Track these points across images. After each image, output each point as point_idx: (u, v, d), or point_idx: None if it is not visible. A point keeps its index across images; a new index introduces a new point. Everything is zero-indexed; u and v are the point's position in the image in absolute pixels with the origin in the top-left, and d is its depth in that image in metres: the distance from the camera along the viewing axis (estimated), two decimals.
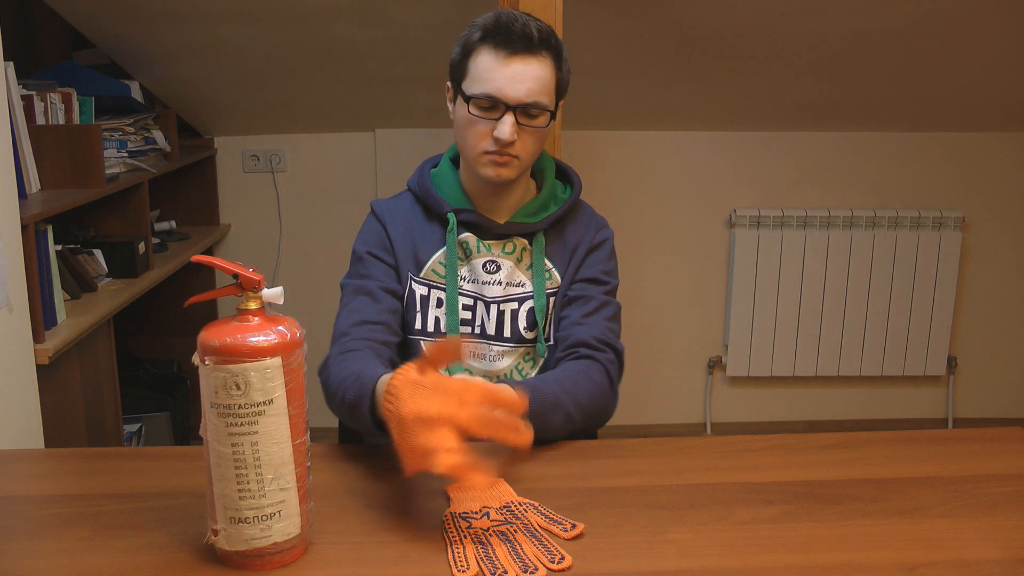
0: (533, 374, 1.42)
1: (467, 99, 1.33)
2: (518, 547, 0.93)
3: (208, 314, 3.01)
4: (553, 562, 0.91)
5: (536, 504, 1.03)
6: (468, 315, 1.41)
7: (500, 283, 1.41)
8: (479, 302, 1.41)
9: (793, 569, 0.91)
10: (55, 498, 1.07)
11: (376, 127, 3.09)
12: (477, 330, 1.41)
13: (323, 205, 3.17)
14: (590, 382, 1.30)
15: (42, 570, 0.91)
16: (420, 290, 1.41)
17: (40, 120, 2.19)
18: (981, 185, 3.20)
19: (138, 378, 2.94)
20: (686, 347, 3.30)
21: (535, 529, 0.97)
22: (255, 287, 0.90)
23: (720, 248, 3.21)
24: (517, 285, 1.41)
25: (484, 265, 1.41)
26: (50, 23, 2.77)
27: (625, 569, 0.91)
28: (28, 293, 1.76)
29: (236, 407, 0.86)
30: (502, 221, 1.42)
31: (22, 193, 2.03)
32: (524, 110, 1.31)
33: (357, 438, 1.45)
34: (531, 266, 1.42)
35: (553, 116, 1.35)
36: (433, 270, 1.41)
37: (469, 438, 0.93)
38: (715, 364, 3.31)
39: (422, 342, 1.40)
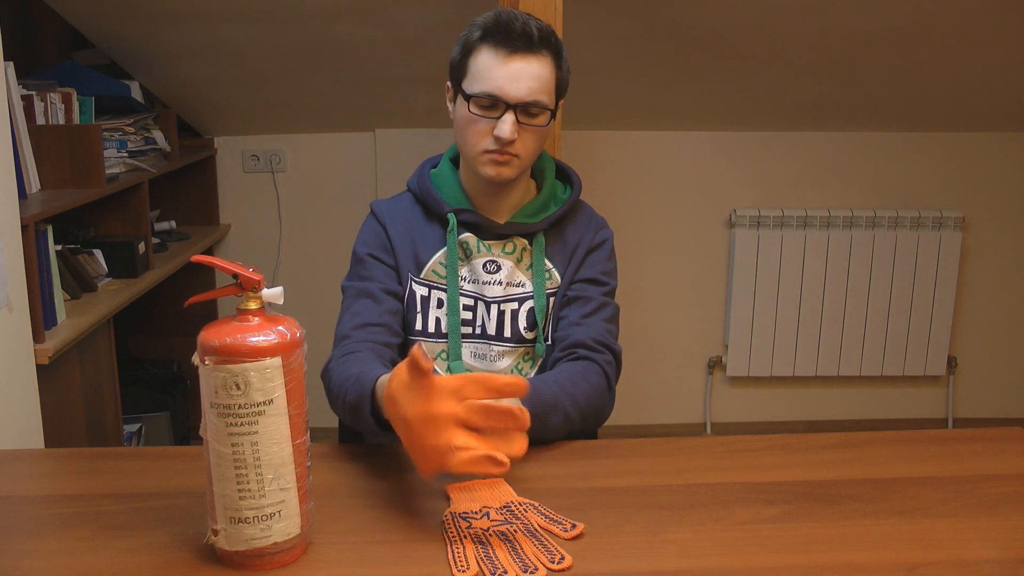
0: (533, 374, 1.42)
1: (467, 98, 1.33)
2: (518, 547, 0.93)
3: (208, 314, 3.01)
4: (553, 562, 0.91)
5: (536, 504, 1.03)
6: (469, 315, 1.41)
7: (500, 283, 1.41)
8: (479, 302, 1.41)
9: (793, 569, 0.91)
10: (55, 498, 1.07)
11: (376, 127, 3.09)
12: (478, 330, 1.41)
13: (323, 205, 3.17)
14: (588, 383, 1.30)
15: (42, 570, 0.91)
16: (420, 291, 1.41)
17: (40, 120, 2.19)
18: (981, 185, 3.20)
19: (138, 378, 2.94)
20: (686, 347, 3.30)
21: (535, 529, 0.97)
22: (255, 287, 0.90)
23: (720, 248, 3.21)
24: (517, 285, 1.41)
25: (484, 265, 1.41)
26: (50, 23, 2.77)
27: (625, 569, 0.91)
28: (28, 293, 1.76)
29: (236, 407, 0.86)
30: (502, 221, 1.42)
31: (22, 193, 2.03)
32: (524, 109, 1.31)
33: (357, 438, 1.45)
34: (531, 266, 1.42)
35: (553, 115, 1.36)
36: (433, 270, 1.41)
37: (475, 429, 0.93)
38: (715, 364, 3.31)
39: (423, 343, 1.41)
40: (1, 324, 1.63)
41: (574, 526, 0.98)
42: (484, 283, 1.41)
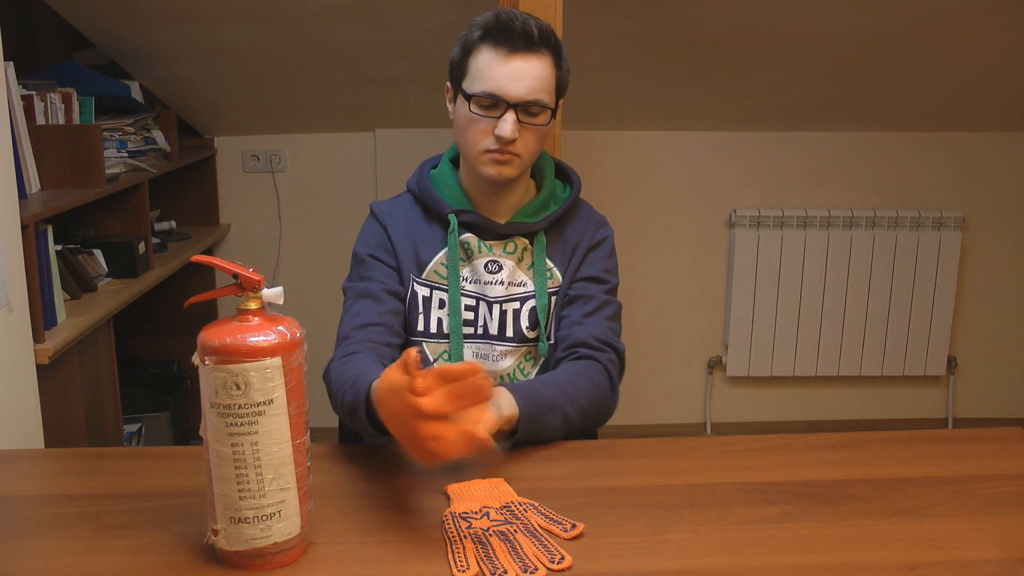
0: (535, 373, 1.42)
1: (468, 98, 1.33)
2: (518, 547, 0.93)
3: (208, 314, 3.01)
4: (553, 562, 0.91)
5: (536, 504, 1.03)
6: (470, 315, 1.41)
7: (502, 283, 1.41)
8: (481, 302, 1.41)
9: (793, 569, 0.91)
10: (55, 498, 1.07)
11: (376, 127, 3.09)
12: (479, 330, 1.41)
13: (323, 205, 3.17)
14: (589, 382, 1.30)
15: (42, 570, 0.91)
16: (422, 291, 1.41)
17: (40, 120, 2.19)
18: (981, 185, 3.20)
19: (138, 378, 2.94)
20: (686, 347, 3.30)
21: (535, 529, 0.97)
22: (255, 287, 0.90)
23: (720, 248, 3.21)
24: (519, 285, 1.41)
25: (486, 265, 1.41)
26: (50, 23, 2.77)
27: (625, 569, 0.91)
28: (28, 293, 1.76)
29: (236, 407, 0.86)
30: (502, 221, 1.42)
31: (22, 193, 2.03)
32: (525, 108, 1.31)
33: (357, 438, 1.45)
34: (532, 265, 1.42)
35: (553, 114, 1.36)
36: (435, 271, 1.41)
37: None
38: (715, 364, 3.31)
39: (424, 343, 1.41)
40: (1, 324, 1.63)
41: (574, 526, 0.98)
42: (486, 283, 1.41)
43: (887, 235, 3.14)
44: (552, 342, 1.42)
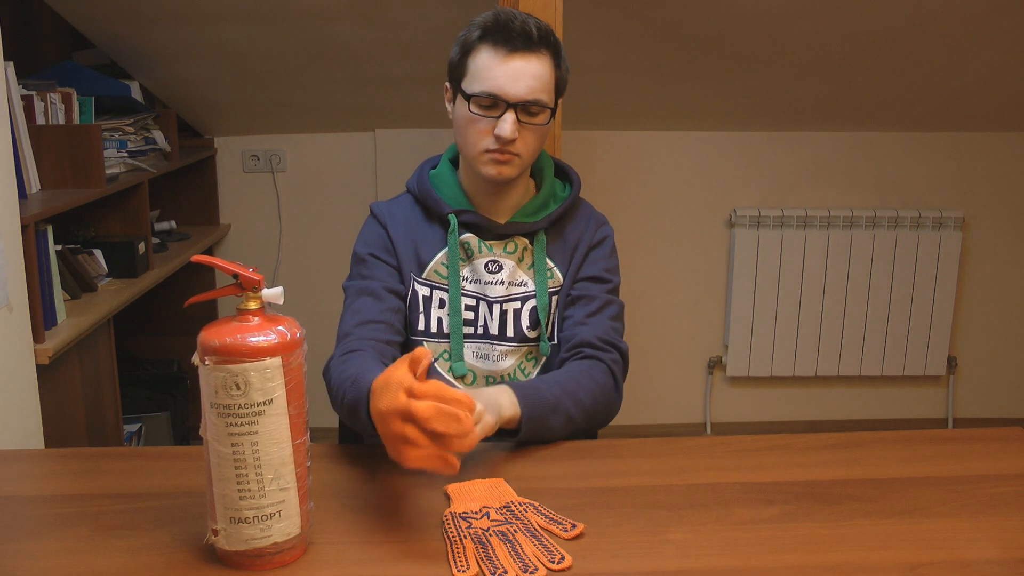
0: (536, 373, 1.42)
1: (467, 98, 1.33)
2: (518, 547, 0.93)
3: (208, 314, 3.01)
4: (553, 562, 0.91)
5: (536, 504, 1.03)
6: (471, 315, 1.41)
7: (503, 283, 1.41)
8: (482, 302, 1.41)
9: (793, 569, 0.91)
10: (55, 498, 1.07)
11: (376, 127, 3.09)
12: (480, 330, 1.41)
13: (323, 205, 3.17)
14: (593, 382, 1.30)
15: (42, 570, 0.91)
16: (423, 291, 1.41)
17: (40, 120, 2.19)
18: (981, 185, 3.20)
19: (138, 378, 2.94)
20: (686, 347, 3.30)
21: (535, 529, 0.97)
22: (255, 287, 0.90)
23: (720, 248, 3.21)
24: (519, 284, 1.41)
25: (486, 265, 1.41)
26: (50, 23, 2.77)
27: (625, 569, 0.91)
28: (28, 293, 1.76)
29: (236, 407, 0.86)
30: (503, 221, 1.42)
31: (22, 193, 2.03)
32: (524, 108, 1.31)
33: (357, 438, 1.45)
34: (532, 265, 1.42)
35: (553, 114, 1.36)
36: (435, 271, 1.41)
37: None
38: (715, 364, 3.31)
39: (425, 343, 1.41)
40: (1, 324, 1.63)
41: (574, 526, 0.98)
42: (486, 283, 1.41)
43: (887, 235, 3.14)
44: (554, 342, 1.42)
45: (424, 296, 1.40)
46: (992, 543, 0.96)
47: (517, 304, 1.41)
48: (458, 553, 0.92)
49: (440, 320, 1.40)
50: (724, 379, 3.33)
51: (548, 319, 1.41)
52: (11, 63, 1.91)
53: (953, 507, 1.03)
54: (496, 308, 1.41)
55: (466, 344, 1.41)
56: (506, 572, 0.88)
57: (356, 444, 1.25)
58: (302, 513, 0.92)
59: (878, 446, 1.21)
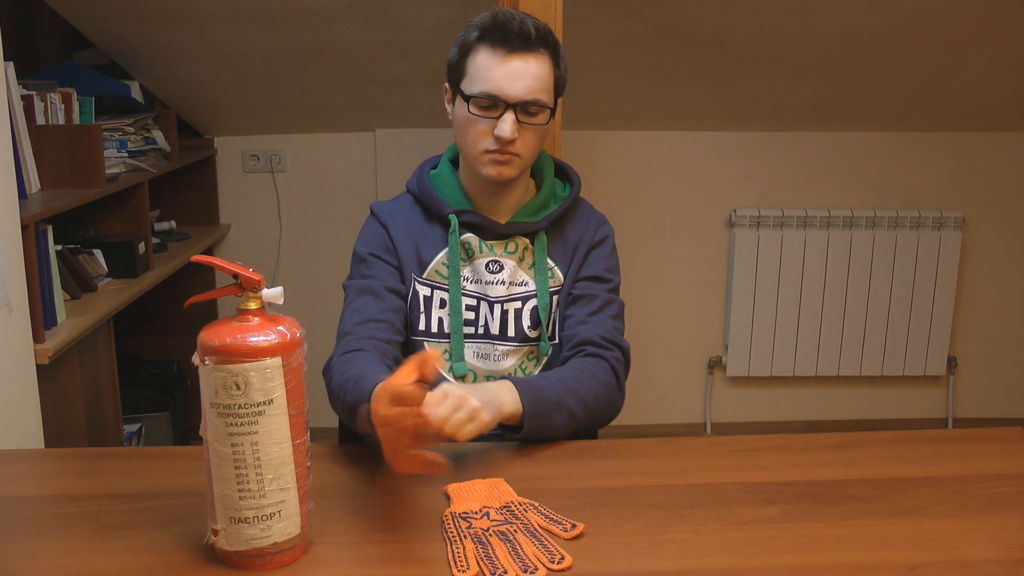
0: (537, 373, 1.42)
1: (466, 98, 1.33)
2: (518, 547, 0.93)
3: (208, 314, 3.01)
4: (553, 562, 0.91)
5: (536, 504, 1.03)
6: (472, 315, 1.41)
7: (503, 283, 1.41)
8: (482, 302, 1.41)
9: (793, 569, 0.91)
10: (55, 498, 1.07)
11: (376, 127, 3.09)
12: (480, 330, 1.41)
13: (323, 205, 3.17)
14: (595, 380, 1.30)
15: (42, 570, 0.91)
16: (423, 291, 1.41)
17: (40, 120, 2.19)
18: (981, 185, 3.20)
19: (138, 378, 2.93)
20: (686, 347, 3.30)
21: (535, 529, 0.97)
22: (255, 287, 0.90)
23: (720, 248, 3.21)
24: (520, 284, 1.41)
25: (487, 265, 1.41)
26: (50, 23, 2.77)
27: (625, 569, 0.91)
28: (28, 293, 1.76)
29: (236, 407, 0.86)
30: (503, 221, 1.42)
31: (22, 193, 2.03)
32: (524, 108, 1.31)
33: (357, 438, 1.45)
34: (533, 265, 1.42)
35: (552, 114, 1.36)
36: (436, 271, 1.41)
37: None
38: (715, 364, 3.31)
39: (425, 343, 1.41)
40: (1, 324, 1.63)
41: (574, 526, 0.98)
42: (487, 283, 1.41)
43: (887, 235, 3.14)
44: (555, 342, 1.42)
45: (425, 296, 1.40)
46: (992, 543, 0.96)
47: (518, 304, 1.41)
48: (458, 553, 0.92)
49: (441, 320, 1.40)
50: (724, 379, 3.33)
51: (549, 319, 1.41)
52: (11, 63, 1.91)
53: (953, 507, 1.03)
54: (497, 308, 1.41)
55: (467, 344, 1.41)
56: (506, 572, 0.88)
57: (356, 444, 1.25)
58: (302, 513, 0.92)
59: (878, 446, 1.21)
